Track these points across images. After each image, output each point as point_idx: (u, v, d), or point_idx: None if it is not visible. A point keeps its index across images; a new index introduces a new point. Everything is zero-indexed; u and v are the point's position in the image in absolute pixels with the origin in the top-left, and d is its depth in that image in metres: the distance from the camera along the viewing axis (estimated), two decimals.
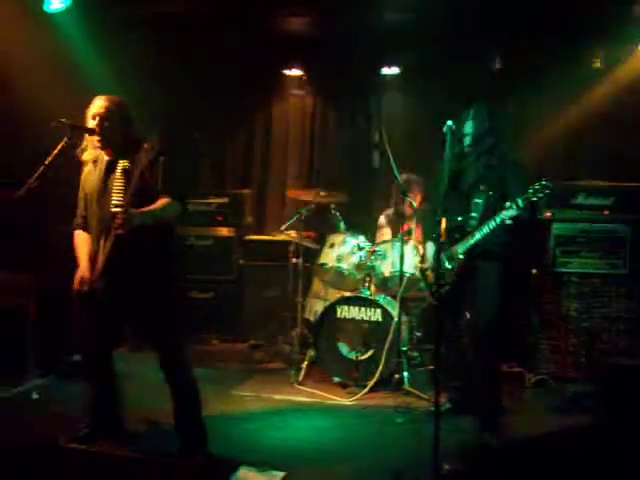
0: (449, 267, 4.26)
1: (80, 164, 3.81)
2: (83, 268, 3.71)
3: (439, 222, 3.70)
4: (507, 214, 4.00)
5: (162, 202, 3.58)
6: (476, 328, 4.25)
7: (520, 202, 3.96)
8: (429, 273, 4.50)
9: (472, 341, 4.34)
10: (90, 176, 3.75)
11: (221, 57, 6.80)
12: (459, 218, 4.26)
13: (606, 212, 5.26)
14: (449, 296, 4.17)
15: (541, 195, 3.93)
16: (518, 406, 4.77)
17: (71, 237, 3.84)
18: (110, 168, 3.70)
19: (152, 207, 3.55)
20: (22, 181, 3.38)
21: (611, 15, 5.68)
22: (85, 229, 3.80)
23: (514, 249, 4.26)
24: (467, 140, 4.28)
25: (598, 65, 6.17)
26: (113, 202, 3.61)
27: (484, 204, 4.20)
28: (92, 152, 3.75)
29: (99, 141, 3.67)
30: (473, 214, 4.24)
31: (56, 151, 3.46)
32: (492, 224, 4.07)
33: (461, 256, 4.22)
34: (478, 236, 4.15)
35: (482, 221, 4.15)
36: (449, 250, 4.27)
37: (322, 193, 5.76)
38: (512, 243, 4.20)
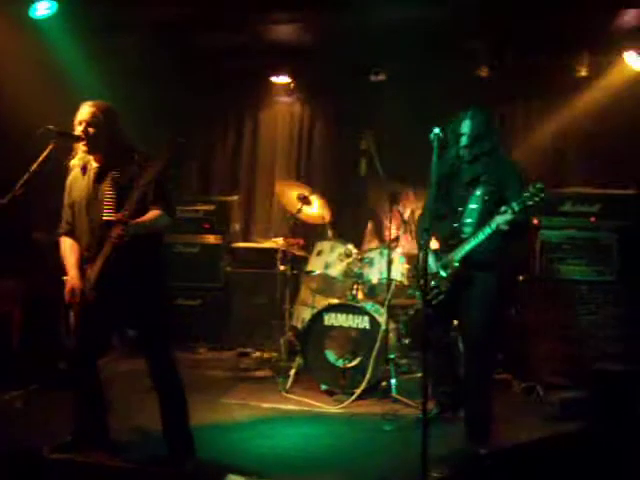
0: (444, 275, 4.13)
1: (66, 170, 3.79)
2: (73, 278, 3.68)
3: (427, 230, 3.65)
4: (502, 219, 3.88)
5: (154, 214, 3.60)
6: (471, 337, 4.17)
7: (515, 206, 3.85)
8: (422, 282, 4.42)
9: (466, 349, 4.29)
10: (78, 182, 3.73)
11: (210, 62, 6.79)
12: (454, 224, 4.13)
13: (592, 219, 5.29)
14: (442, 303, 4.12)
15: (537, 199, 3.80)
16: (506, 413, 4.76)
17: (57, 244, 3.82)
18: (100, 176, 3.68)
19: (145, 219, 3.57)
20: (7, 188, 3.36)
21: (596, 23, 5.72)
22: (71, 235, 3.77)
23: (509, 255, 4.17)
24: (464, 140, 4.13)
25: (583, 73, 6.21)
26: (105, 212, 3.60)
27: (480, 209, 4.07)
28: (81, 157, 3.72)
29: (85, 147, 3.65)
30: (468, 219, 4.11)
31: (42, 158, 3.44)
32: (487, 230, 3.95)
33: (456, 264, 4.07)
34: (473, 243, 4.01)
35: (478, 227, 4.03)
36: (444, 258, 4.15)
37: (310, 201, 5.76)
38: (506, 249, 4.09)
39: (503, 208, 3.89)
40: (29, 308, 5.30)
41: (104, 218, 3.56)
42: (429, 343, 3.78)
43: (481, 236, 3.98)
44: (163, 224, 3.67)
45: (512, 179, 4.10)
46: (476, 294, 4.09)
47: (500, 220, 3.89)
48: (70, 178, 3.79)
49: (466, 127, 4.13)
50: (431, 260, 4.13)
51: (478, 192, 4.10)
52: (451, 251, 4.13)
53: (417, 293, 5.23)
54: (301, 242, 6.30)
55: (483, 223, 4.00)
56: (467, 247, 4.04)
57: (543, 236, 5.31)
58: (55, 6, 5.18)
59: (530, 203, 3.83)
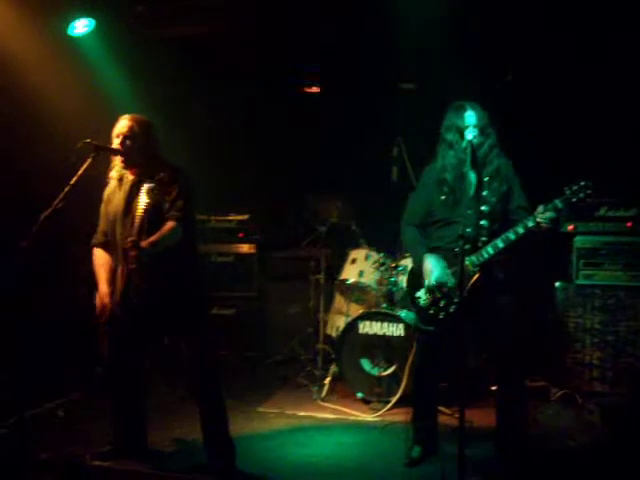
0: (454, 283, 3.73)
1: (101, 181, 3.83)
2: (102, 295, 3.71)
3: (462, 237, 3.46)
4: (546, 217, 3.54)
5: (165, 229, 3.57)
6: (500, 364, 3.90)
7: (559, 203, 3.54)
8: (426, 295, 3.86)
9: (497, 373, 4.01)
10: (114, 195, 3.78)
11: (241, 74, 6.85)
12: (468, 229, 3.62)
13: (629, 224, 5.22)
14: (447, 322, 3.76)
15: (582, 196, 3.50)
16: (544, 420, 4.72)
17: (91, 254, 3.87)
18: (134, 190, 3.71)
19: (158, 236, 3.54)
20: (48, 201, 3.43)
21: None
22: (105, 247, 3.81)
23: (527, 265, 4.03)
24: (473, 132, 3.74)
25: None
26: (134, 228, 3.62)
27: (494, 210, 3.76)
28: (118, 170, 3.78)
29: (122, 161, 3.71)
30: (482, 222, 3.74)
31: (81, 171, 3.48)
32: (520, 229, 3.61)
33: (475, 269, 3.71)
34: (501, 244, 3.66)
35: (493, 230, 3.73)
36: (456, 264, 3.64)
37: (339, 205, 5.78)
38: (523, 259, 3.90)
39: (541, 207, 3.58)
40: (68, 318, 5.39)
41: (129, 240, 3.46)
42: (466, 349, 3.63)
43: (512, 236, 3.64)
44: (176, 237, 3.59)
45: (515, 176, 3.87)
46: (496, 325, 3.78)
47: (543, 218, 3.55)
48: (108, 190, 3.83)
49: (472, 118, 3.77)
50: (437, 267, 3.79)
51: (490, 192, 3.77)
52: (465, 256, 3.63)
53: (404, 313, 5.11)
54: (334, 250, 6.32)
55: (498, 226, 3.74)
56: (491, 250, 3.70)
57: (579, 242, 5.25)
58: (93, 23, 5.27)
59: (574, 200, 3.53)
